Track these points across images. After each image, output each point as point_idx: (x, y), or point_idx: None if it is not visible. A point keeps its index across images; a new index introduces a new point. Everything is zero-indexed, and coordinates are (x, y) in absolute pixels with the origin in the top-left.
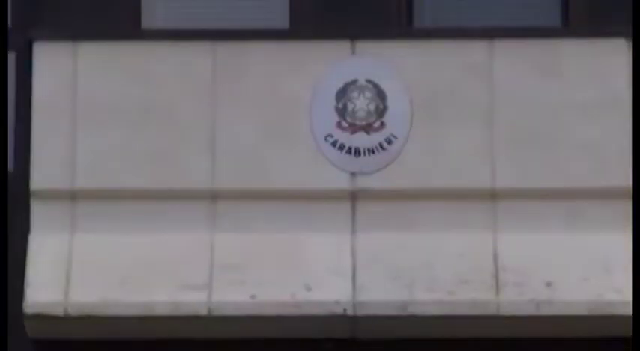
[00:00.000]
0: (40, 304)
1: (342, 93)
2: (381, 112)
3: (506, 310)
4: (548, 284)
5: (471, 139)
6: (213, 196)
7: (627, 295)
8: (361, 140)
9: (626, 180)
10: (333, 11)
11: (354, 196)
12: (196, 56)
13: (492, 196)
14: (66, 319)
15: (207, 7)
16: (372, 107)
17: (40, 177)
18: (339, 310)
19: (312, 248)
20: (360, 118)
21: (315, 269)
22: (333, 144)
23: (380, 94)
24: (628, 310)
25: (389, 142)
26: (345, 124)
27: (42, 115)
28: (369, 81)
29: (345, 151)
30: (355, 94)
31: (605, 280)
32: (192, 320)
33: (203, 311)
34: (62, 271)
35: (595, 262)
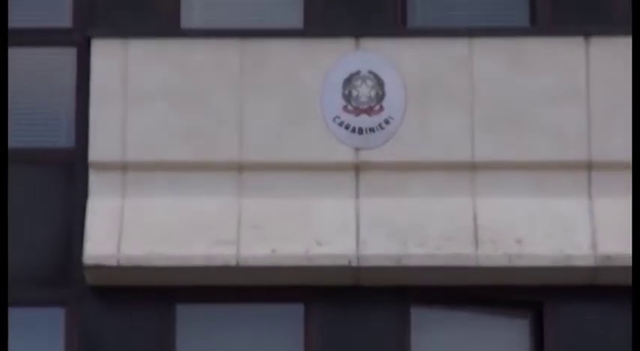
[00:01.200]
0: (96, 256)
1: (348, 82)
2: (380, 97)
3: (484, 263)
4: (519, 241)
5: (454, 120)
6: (240, 168)
7: (584, 250)
8: (364, 121)
9: (583, 154)
10: (339, 13)
11: (357, 168)
12: (226, 50)
13: (472, 167)
14: (118, 269)
15: (236, 10)
16: (372, 94)
17: (97, 151)
18: (344, 262)
19: (322, 211)
20: (363, 102)
21: (325, 228)
22: (340, 124)
23: (379, 83)
24: (585, 263)
25: (387, 122)
26: (350, 107)
27: (98, 100)
28: (370, 72)
29: (350, 130)
30: (358, 82)
31: (566, 238)
32: (223, 270)
33: (232, 262)
34: (115, 229)
35: (557, 222)
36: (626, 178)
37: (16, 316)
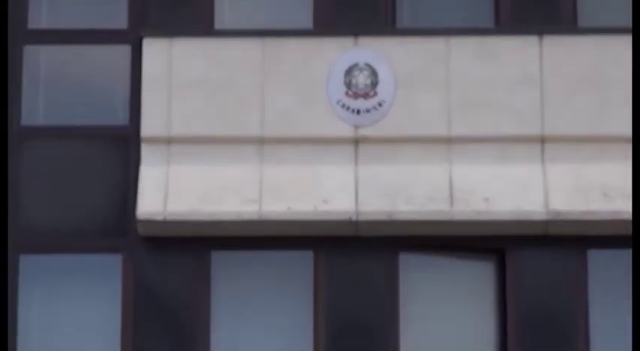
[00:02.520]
0: (147, 212)
1: (348, 72)
2: (374, 85)
3: (458, 217)
4: (486, 199)
5: (434, 103)
6: (261, 141)
7: (538, 207)
8: (361, 104)
9: (537, 129)
10: (342, 17)
11: (356, 141)
12: (250, 47)
13: (448, 141)
14: (164, 223)
15: (258, 14)
16: (368, 82)
17: (147, 128)
18: (346, 217)
19: (327, 176)
20: (360, 89)
21: (330, 190)
22: (342, 106)
23: (374, 73)
24: (539, 217)
25: (380, 105)
26: (350, 93)
27: (148, 88)
28: (366, 64)
29: (350, 111)
30: (357, 73)
31: (523, 197)
32: (248, 224)
33: (255, 217)
34: (161, 191)
35: (517, 184)
36: (572, 149)
37: (81, 262)
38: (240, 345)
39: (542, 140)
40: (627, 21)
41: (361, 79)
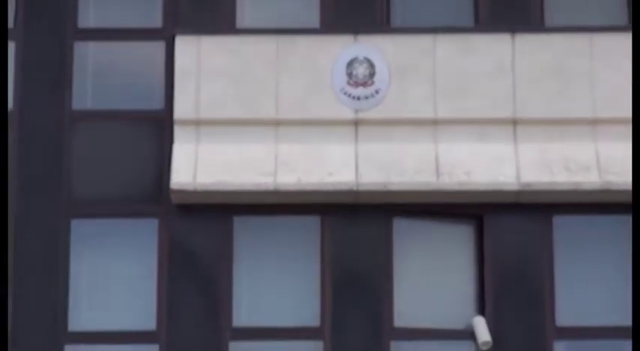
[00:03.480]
0: (179, 183)
1: (349, 65)
2: (372, 75)
3: (443, 188)
4: (467, 173)
5: (423, 91)
6: (277, 123)
7: (511, 179)
8: (360, 92)
9: (509, 113)
10: (344, 18)
11: (356, 123)
12: (267, 43)
13: (435, 122)
14: (194, 192)
15: (273, 14)
16: (366, 73)
17: (179, 111)
18: (347, 187)
19: (332, 152)
20: (360, 79)
21: (334, 164)
22: (344, 93)
23: (371, 66)
24: (511, 188)
25: (377, 92)
26: (351, 82)
27: (180, 78)
28: (365, 58)
29: (351, 97)
30: (357, 65)
31: (499, 171)
32: (264, 193)
33: (271, 188)
34: (191, 165)
35: (493, 160)
36: (540, 129)
37: (123, 225)
38: (258, 295)
39: (514, 122)
40: (586, 21)
41: (360, 70)
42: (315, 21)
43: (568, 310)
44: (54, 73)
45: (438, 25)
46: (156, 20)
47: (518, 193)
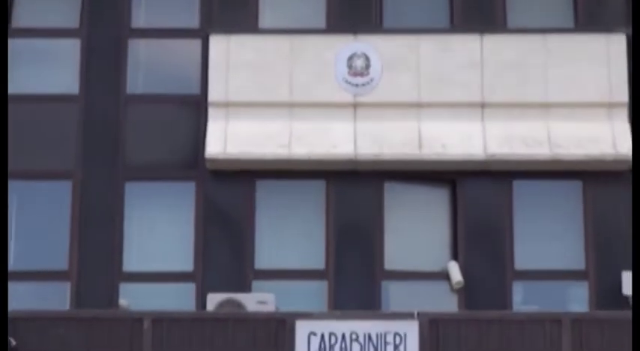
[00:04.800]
0: (212, 153)
1: (350, 58)
2: (367, 67)
3: (424, 158)
4: (443, 146)
5: (409, 80)
6: (291, 105)
7: (479, 150)
8: (359, 80)
9: (478, 98)
10: (345, 19)
11: (355, 105)
12: (282, 41)
13: (418, 105)
14: (224, 160)
15: (287, 17)
16: (363, 65)
17: (212, 95)
18: (348, 157)
19: (336, 129)
20: (358, 70)
21: (337, 138)
22: (345, 81)
23: (367, 59)
24: (480, 158)
25: (371, 80)
26: (351, 72)
27: (213, 69)
28: (362, 53)
29: (351, 84)
30: (356, 59)
31: (469, 144)
32: (281, 161)
33: (286, 157)
34: (222, 138)
35: (465, 135)
36: (503, 111)
37: (166, 187)
38: (275, 244)
39: (482, 105)
40: (541, 23)
41: (358, 63)
42: (322, 23)
43: (524, 257)
44: (112, 64)
45: (421, 27)
46: (194, 22)
47: (485, 162)
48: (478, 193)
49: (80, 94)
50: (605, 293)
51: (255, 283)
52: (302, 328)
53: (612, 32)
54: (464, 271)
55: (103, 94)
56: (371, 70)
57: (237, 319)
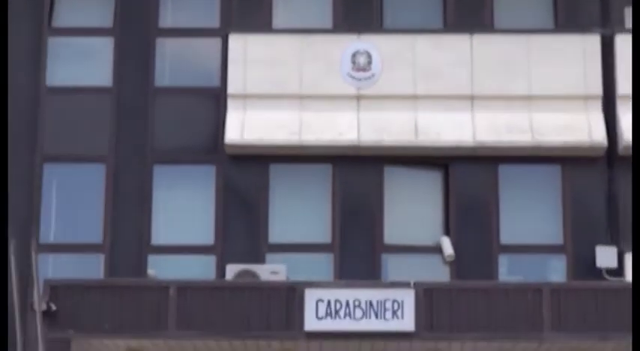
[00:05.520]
0: (231, 139)
1: (353, 55)
2: (369, 63)
3: (420, 144)
4: (437, 133)
5: (405, 74)
6: (301, 97)
7: (469, 138)
8: (361, 75)
9: (468, 91)
10: (350, 21)
11: (358, 97)
12: (293, 39)
13: (415, 97)
14: (241, 146)
15: (298, 18)
16: (366, 61)
17: (231, 88)
18: (351, 144)
19: (341, 118)
20: (361, 66)
21: (342, 126)
22: (350, 76)
23: (369, 56)
24: (469, 144)
25: (373, 75)
26: (354, 68)
27: (232, 64)
28: (364, 50)
29: (354, 79)
30: (359, 56)
31: (460, 132)
32: (292, 147)
33: (297, 143)
34: (239, 126)
35: (456, 124)
36: (489, 103)
37: (189, 170)
38: (287, 221)
39: (472, 97)
40: (525, 25)
41: (361, 60)
42: (328, 23)
43: (509, 233)
44: (142, 60)
45: (417, 28)
46: (214, 23)
47: (474, 148)
48: (468, 176)
49: (113, 86)
50: (581, 265)
51: (268, 256)
52: (310, 295)
53: (588, 33)
54: (455, 245)
55: (133, 87)
56: (372, 65)
57: (252, 288)
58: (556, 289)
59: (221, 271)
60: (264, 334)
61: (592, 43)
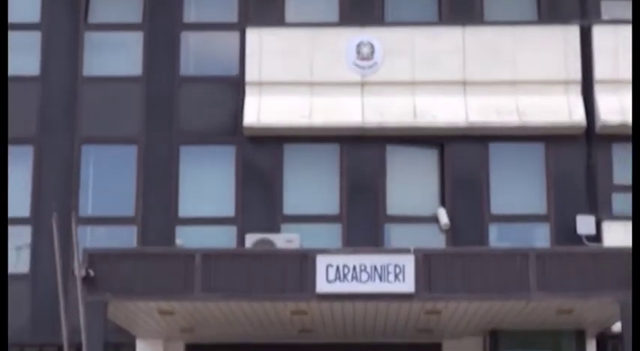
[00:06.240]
0: (249, 122)
1: (358, 46)
2: (372, 53)
3: (418, 124)
4: (434, 116)
5: (404, 63)
6: (311, 84)
7: (462, 118)
8: (365, 63)
9: (460, 77)
10: (354, 15)
11: (363, 84)
12: (304, 32)
13: (413, 83)
14: (258, 128)
15: (309, 12)
16: (369, 51)
17: (249, 76)
18: (357, 125)
19: (347, 103)
20: (365, 55)
21: (348, 109)
22: (355, 65)
23: (372, 47)
24: (462, 125)
25: (375, 64)
26: (359, 57)
27: (249, 55)
28: (368, 41)
29: (359, 67)
30: (363, 46)
31: (454, 114)
32: (304, 128)
33: (307, 125)
34: (256, 109)
35: (451, 107)
36: (479, 88)
37: (212, 150)
38: (299, 194)
39: (464, 83)
40: (511, 17)
41: (365, 50)
42: (335, 17)
43: (498, 204)
44: (168, 51)
45: (415, 21)
46: (233, 18)
47: (466, 128)
48: (461, 153)
49: (143, 76)
50: (563, 232)
51: (283, 226)
52: (321, 261)
53: (568, 24)
54: (450, 215)
55: (161, 76)
56: (375, 55)
57: (269, 255)
58: (541, 254)
59: (241, 240)
60: (280, 296)
61: (572, 33)
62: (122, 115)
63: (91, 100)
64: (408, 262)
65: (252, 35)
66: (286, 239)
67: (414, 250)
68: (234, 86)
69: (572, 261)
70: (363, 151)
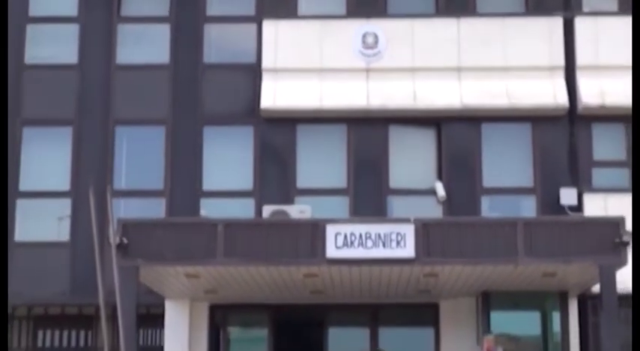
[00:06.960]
0: (265, 105)
1: (364, 36)
2: (376, 43)
3: (418, 107)
4: (431, 98)
5: (406, 51)
6: (321, 70)
7: (457, 101)
8: (370, 52)
9: (455, 63)
10: (360, 8)
11: (368, 70)
12: (314, 24)
13: (413, 69)
14: (274, 111)
15: (319, 6)
16: (374, 41)
17: (265, 63)
18: (362, 108)
19: (353, 87)
20: (370, 45)
21: (354, 94)
22: (360, 53)
23: (376, 37)
24: (458, 107)
25: (379, 52)
26: (364, 46)
27: (265, 45)
28: (372, 32)
29: (364, 55)
30: (368, 36)
31: (450, 98)
32: (314, 111)
33: (318, 107)
34: (272, 93)
35: (447, 91)
36: (473, 73)
37: (232, 131)
38: (311, 170)
39: (459, 69)
40: (501, 9)
41: (370, 39)
42: (343, 10)
43: (490, 178)
44: (193, 41)
45: (415, 13)
46: (251, 11)
47: (461, 110)
48: (456, 133)
49: (170, 63)
50: (548, 204)
51: (297, 198)
52: (331, 230)
53: (553, 15)
54: (446, 188)
55: (186, 63)
56: (379, 44)
57: (284, 224)
58: (528, 223)
59: (259, 211)
60: (293, 261)
61: (556, 24)
62: (151, 99)
63: (123, 85)
64: (409, 231)
65: (268, 27)
66: (299, 210)
67: (414, 220)
68: (252, 73)
69: (556, 229)
70: (367, 131)
